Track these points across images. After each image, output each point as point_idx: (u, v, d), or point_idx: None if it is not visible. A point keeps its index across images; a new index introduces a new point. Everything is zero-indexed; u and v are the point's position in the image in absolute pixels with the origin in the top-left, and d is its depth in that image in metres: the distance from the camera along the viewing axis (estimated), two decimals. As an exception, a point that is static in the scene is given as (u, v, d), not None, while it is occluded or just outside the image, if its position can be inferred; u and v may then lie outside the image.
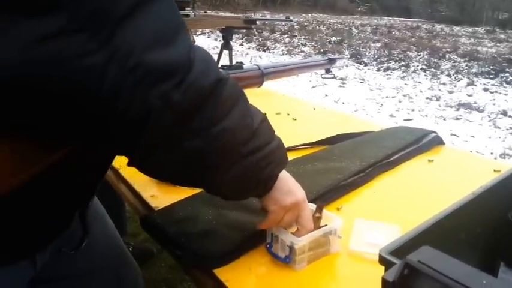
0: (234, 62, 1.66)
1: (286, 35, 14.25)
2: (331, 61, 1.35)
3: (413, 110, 5.83)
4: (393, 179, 1.01)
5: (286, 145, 1.16)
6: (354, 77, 8.00)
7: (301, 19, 25.78)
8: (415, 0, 43.47)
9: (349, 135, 1.21)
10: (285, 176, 0.68)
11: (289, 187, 0.68)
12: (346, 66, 9.29)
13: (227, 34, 1.62)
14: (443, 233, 0.47)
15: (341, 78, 7.67)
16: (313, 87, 6.95)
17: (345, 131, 1.26)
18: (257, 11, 26.78)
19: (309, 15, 33.44)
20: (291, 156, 1.09)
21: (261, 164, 0.59)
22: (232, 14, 1.70)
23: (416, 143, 1.18)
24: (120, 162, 1.05)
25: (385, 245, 0.41)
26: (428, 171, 1.06)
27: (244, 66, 0.91)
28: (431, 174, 1.04)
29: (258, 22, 1.71)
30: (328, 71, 1.36)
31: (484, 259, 0.56)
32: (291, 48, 11.52)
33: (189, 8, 1.55)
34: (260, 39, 12.90)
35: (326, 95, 6.39)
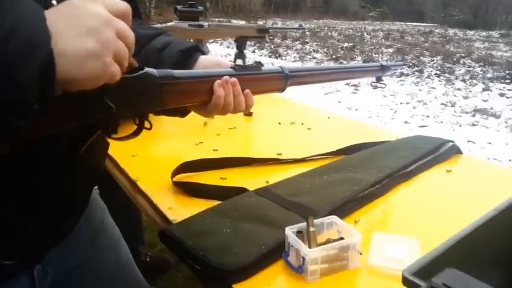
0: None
1: (298, 42, 14.27)
2: (384, 68, 1.15)
3: (428, 116, 5.77)
4: (411, 190, 1.00)
5: (301, 155, 1.18)
6: (367, 83, 7.96)
7: (313, 25, 25.83)
8: (427, 5, 43.21)
9: (365, 145, 1.20)
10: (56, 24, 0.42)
11: (80, 49, 0.43)
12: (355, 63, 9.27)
13: (241, 43, 1.64)
14: (466, 251, 0.46)
15: (354, 85, 7.65)
16: (326, 93, 6.94)
17: (361, 140, 1.25)
18: (268, 18, 26.93)
19: (321, 21, 33.47)
20: (307, 166, 1.10)
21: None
22: (246, 24, 1.71)
23: (434, 153, 1.17)
24: (137, 173, 1.06)
25: (408, 265, 0.41)
26: (447, 182, 1.05)
27: (263, 67, 0.79)
28: (450, 185, 1.03)
29: (271, 31, 1.72)
30: (379, 79, 1.17)
31: (509, 277, 0.55)
32: (303, 54, 11.54)
33: (202, 18, 1.57)
34: (272, 46, 12.94)
35: (339, 102, 6.37)
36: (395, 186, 0.99)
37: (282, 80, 0.81)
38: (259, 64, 0.78)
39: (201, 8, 1.57)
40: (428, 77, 8.85)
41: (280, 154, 1.19)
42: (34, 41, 0.39)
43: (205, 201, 0.92)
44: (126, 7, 0.51)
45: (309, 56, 11.24)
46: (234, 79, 0.70)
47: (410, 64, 9.99)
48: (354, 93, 7.13)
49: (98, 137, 0.61)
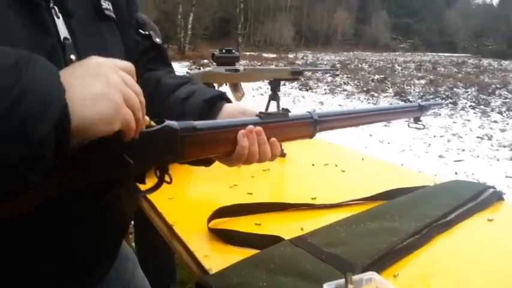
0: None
1: (328, 74, 14.35)
2: (422, 108, 1.07)
3: (463, 150, 5.62)
4: (451, 240, 0.97)
5: (336, 199, 1.17)
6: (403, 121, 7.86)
7: (343, 57, 26.00)
8: (459, 35, 42.78)
9: (402, 191, 1.18)
10: (70, 81, 0.44)
11: (89, 91, 0.45)
12: (391, 104, 9.18)
13: (275, 85, 1.67)
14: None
15: (386, 117, 7.58)
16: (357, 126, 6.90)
17: (396, 184, 1.23)
18: (299, 51, 27.32)
19: (351, 53, 33.65)
20: (342, 212, 1.08)
21: (8, 136, 0.38)
22: (280, 67, 1.74)
23: (474, 200, 1.13)
24: (174, 217, 1.08)
25: None
26: (489, 232, 1.01)
27: (290, 114, 0.76)
28: (492, 236, 0.99)
29: (304, 73, 1.75)
30: (417, 120, 1.10)
31: None
32: (333, 87, 11.57)
33: (238, 63, 1.62)
34: (303, 79, 13.03)
35: (371, 135, 6.30)
36: (435, 237, 0.96)
37: (311, 126, 0.78)
38: (286, 111, 0.75)
39: (236, 54, 1.62)
40: (462, 109, 8.68)
41: (314, 198, 1.18)
42: (48, 98, 0.41)
43: (241, 249, 0.92)
44: (131, 66, 0.53)
45: (339, 89, 11.26)
46: (258, 128, 0.68)
47: (444, 96, 9.84)
48: (386, 126, 7.04)
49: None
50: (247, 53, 24.49)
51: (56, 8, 0.58)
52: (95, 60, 0.49)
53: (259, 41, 30.52)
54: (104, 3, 0.68)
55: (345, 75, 14.20)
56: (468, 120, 7.57)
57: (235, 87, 1.65)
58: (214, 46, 27.27)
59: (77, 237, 0.63)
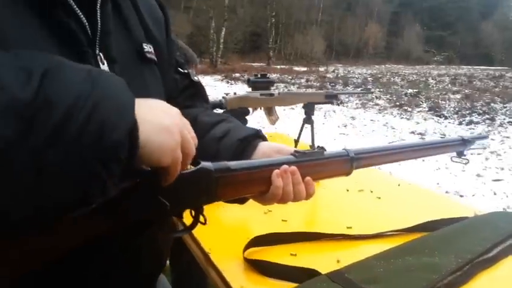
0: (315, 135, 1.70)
1: (359, 88, 14.23)
2: (466, 142, 1.03)
3: (502, 169, 5.42)
4: (494, 278, 0.94)
5: (372, 229, 1.15)
6: (434, 132, 7.70)
7: (375, 71, 25.72)
8: (495, 47, 41.57)
9: (440, 222, 1.15)
10: (142, 106, 0.48)
11: (158, 121, 0.49)
12: (425, 119, 8.99)
13: (309, 109, 1.67)
14: None
15: (420, 133, 7.43)
16: (390, 142, 6.79)
17: (434, 213, 1.21)
18: (330, 64, 27.24)
19: (383, 66, 33.29)
20: (378, 243, 1.07)
21: (88, 138, 0.41)
22: (314, 91, 1.75)
23: (518, 233, 1.09)
24: (210, 244, 1.09)
25: None
26: (535, 269, 0.97)
27: (326, 152, 0.75)
28: (539, 274, 0.95)
29: (338, 96, 1.75)
30: (460, 154, 1.06)
31: None
32: (365, 101, 11.44)
33: (273, 88, 1.63)
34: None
35: (404, 152, 6.19)
36: (478, 274, 0.93)
37: (347, 163, 0.78)
38: (321, 149, 0.75)
39: (271, 78, 1.64)
40: (500, 125, 8.39)
41: (350, 227, 1.17)
42: (122, 108, 0.45)
43: (277, 281, 0.92)
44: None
45: (371, 103, 11.12)
46: (293, 168, 0.68)
47: (481, 111, 9.55)
48: (419, 142, 6.89)
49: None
50: (278, 67, 24.67)
51: (101, 55, 0.62)
52: (166, 103, 0.53)
53: (289, 54, 30.70)
54: (145, 47, 0.71)
55: (377, 89, 14.03)
56: (507, 137, 7.30)
57: (270, 111, 1.66)
58: (245, 60, 27.66)
59: (113, 274, 0.64)
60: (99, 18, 0.62)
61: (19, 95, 0.38)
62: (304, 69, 23.80)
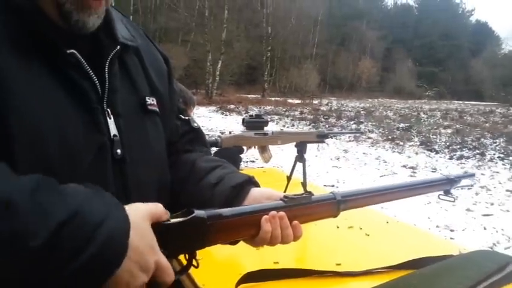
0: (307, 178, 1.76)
1: (352, 122, 14.43)
2: (452, 181, 1.05)
3: (492, 204, 5.48)
4: (475, 316, 0.98)
5: (360, 266, 1.19)
6: (425, 166, 7.79)
7: (368, 104, 26.13)
8: (485, 84, 42.50)
9: (426, 260, 1.19)
10: (120, 271, 0.54)
11: (126, 283, 0.55)
12: (416, 153, 9.10)
13: (301, 148, 1.74)
14: None
15: (411, 167, 7.51)
16: (382, 176, 6.85)
17: (420, 249, 1.26)
18: (324, 97, 27.65)
19: (376, 100, 33.84)
20: (367, 281, 1.10)
21: (75, 282, 0.49)
22: (306, 130, 1.82)
23: (500, 272, 1.13)
24: (203, 280, 1.12)
25: None
26: (514, 308, 1.02)
27: (313, 196, 0.78)
28: (518, 312, 1.00)
29: (330, 136, 1.82)
30: (447, 193, 1.08)
31: None
32: (357, 135, 11.58)
33: (267, 128, 1.71)
34: (327, 126, 13.17)
35: (396, 186, 6.24)
36: (459, 312, 0.97)
37: (334, 206, 0.81)
38: (309, 194, 0.78)
39: (265, 119, 1.71)
40: (491, 160, 8.51)
41: (339, 264, 1.21)
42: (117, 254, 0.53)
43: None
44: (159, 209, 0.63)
45: (364, 136, 11.25)
46: (281, 213, 0.72)
47: (471, 146, 9.70)
48: (411, 176, 6.97)
49: None
50: (273, 99, 25.00)
51: (109, 110, 0.68)
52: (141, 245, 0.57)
53: (284, 87, 31.17)
54: (148, 100, 0.78)
55: (370, 123, 14.22)
56: (497, 172, 7.40)
57: (264, 150, 1.73)
58: (241, 91, 28.00)
59: None
60: (107, 77, 0.69)
61: (31, 244, 0.46)
62: (298, 101, 24.13)
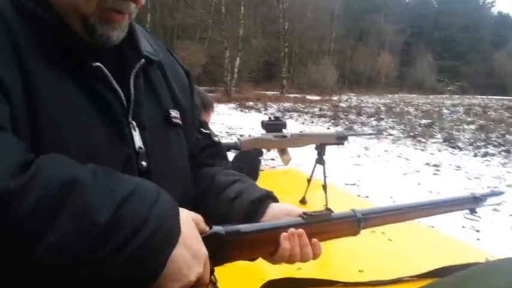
0: (328, 178, 1.74)
1: (373, 118, 14.26)
2: (478, 200, 1.00)
3: (519, 203, 5.34)
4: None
5: (383, 273, 1.17)
6: (449, 164, 7.63)
7: (388, 100, 25.77)
8: (509, 77, 41.38)
9: (452, 269, 1.16)
10: (174, 255, 0.55)
11: (179, 269, 0.55)
12: (439, 151, 8.94)
13: (321, 150, 1.72)
14: None
15: (435, 165, 7.38)
16: (405, 174, 6.74)
17: (445, 256, 1.23)
18: (343, 93, 27.39)
19: (396, 95, 33.32)
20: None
21: (134, 260, 0.50)
22: (325, 132, 1.80)
23: (529, 281, 1.10)
24: (223, 286, 1.12)
25: None
26: (546, 319, 0.98)
27: (333, 214, 0.77)
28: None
29: (349, 137, 1.79)
30: (473, 211, 1.03)
31: None
32: (379, 131, 11.43)
33: (286, 130, 1.69)
34: (347, 123, 13.03)
35: (419, 184, 6.13)
36: (488, 323, 0.95)
37: (354, 224, 0.79)
38: (329, 211, 0.77)
39: (284, 121, 1.70)
40: (517, 157, 8.29)
41: (362, 271, 1.19)
42: (170, 238, 0.55)
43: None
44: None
45: (385, 133, 11.10)
46: (300, 230, 0.71)
47: (496, 143, 9.47)
48: (435, 174, 6.84)
49: None
50: (292, 95, 24.88)
51: (134, 123, 0.69)
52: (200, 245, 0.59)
53: (302, 83, 30.95)
54: (172, 113, 0.79)
55: (390, 119, 14.01)
56: (524, 170, 7.21)
57: (283, 152, 1.71)
58: (259, 88, 27.97)
59: None
60: (132, 90, 0.70)
61: (98, 219, 0.48)
62: (317, 98, 23.95)
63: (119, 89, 0.68)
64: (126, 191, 0.52)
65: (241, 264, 1.27)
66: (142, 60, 0.74)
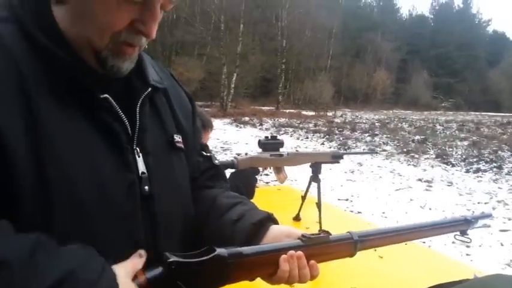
0: (322, 194, 1.79)
1: (367, 134, 14.36)
2: (469, 222, 1.03)
3: (510, 219, 5.40)
4: None
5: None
6: (441, 179, 7.71)
7: (382, 116, 25.96)
8: (504, 94, 41.83)
9: (442, 286, 1.20)
10: None
11: None
12: (432, 166, 9.02)
13: (316, 168, 1.77)
14: None
15: (427, 181, 7.44)
16: (397, 189, 6.80)
17: (434, 273, 1.27)
18: (338, 109, 27.56)
19: (390, 111, 33.57)
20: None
21: None
22: (321, 151, 1.85)
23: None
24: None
25: None
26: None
27: (331, 236, 0.79)
28: None
29: (344, 156, 1.85)
30: (464, 233, 1.07)
31: None
32: (372, 147, 11.53)
33: (282, 149, 1.74)
34: (341, 138, 13.13)
35: (411, 200, 6.19)
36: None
37: (351, 246, 0.81)
38: (326, 233, 0.79)
39: (281, 140, 1.75)
40: (508, 173, 8.38)
41: None
42: None
43: None
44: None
45: (378, 149, 11.19)
46: (299, 253, 0.73)
47: (488, 159, 9.56)
48: (427, 190, 6.91)
49: None
50: (287, 111, 25.00)
51: (138, 149, 0.73)
52: None
53: (298, 99, 31.13)
54: (176, 137, 0.82)
55: (385, 135, 14.12)
56: (515, 187, 7.29)
57: (279, 170, 1.76)
58: (255, 104, 28.07)
59: None
60: (137, 118, 0.73)
61: None
62: (313, 113, 24.10)
63: (125, 118, 0.71)
64: (58, 275, 0.52)
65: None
66: (149, 89, 0.77)
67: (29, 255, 0.51)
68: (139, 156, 0.72)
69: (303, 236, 0.77)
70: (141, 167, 0.72)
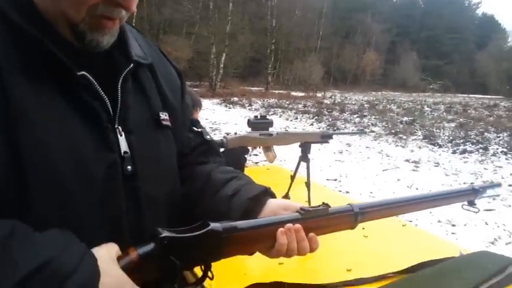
0: (311, 174, 1.79)
1: (356, 115, 14.41)
2: (477, 192, 1.02)
3: (494, 199, 5.49)
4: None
5: (356, 271, 1.21)
6: (428, 160, 7.79)
7: (371, 97, 26.05)
8: (490, 77, 42.24)
9: (427, 264, 1.22)
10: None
11: None
12: (419, 147, 9.11)
13: (305, 148, 1.77)
14: None
15: (414, 161, 7.52)
16: (385, 170, 6.86)
17: (421, 251, 1.28)
18: (327, 90, 27.60)
19: (379, 93, 33.75)
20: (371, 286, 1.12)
21: None
22: (310, 131, 1.84)
23: (500, 274, 1.16)
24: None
25: None
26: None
27: (330, 208, 0.77)
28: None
29: (333, 136, 1.84)
30: (471, 204, 1.05)
31: None
32: (361, 128, 11.59)
33: (272, 128, 1.73)
34: (330, 119, 13.15)
35: (398, 180, 6.26)
36: (459, 314, 1.00)
37: (351, 218, 0.80)
38: (326, 206, 0.77)
39: (270, 120, 1.74)
40: (494, 154, 8.49)
41: (350, 270, 1.23)
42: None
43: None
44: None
45: (367, 130, 11.25)
46: (297, 226, 0.72)
47: (474, 141, 9.68)
48: (414, 170, 6.98)
49: None
50: (276, 91, 24.96)
51: (120, 128, 0.69)
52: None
53: (288, 80, 31.08)
54: (161, 115, 0.79)
55: (373, 116, 14.18)
56: (500, 167, 7.39)
57: (268, 150, 1.75)
58: (244, 84, 27.98)
59: None
60: (119, 95, 0.70)
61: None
62: (302, 94, 24.09)
63: (105, 96, 0.67)
64: (35, 262, 0.50)
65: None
66: (131, 65, 0.73)
67: (1, 247, 0.49)
68: (121, 135, 0.69)
69: (301, 209, 0.76)
70: (124, 146, 0.69)
